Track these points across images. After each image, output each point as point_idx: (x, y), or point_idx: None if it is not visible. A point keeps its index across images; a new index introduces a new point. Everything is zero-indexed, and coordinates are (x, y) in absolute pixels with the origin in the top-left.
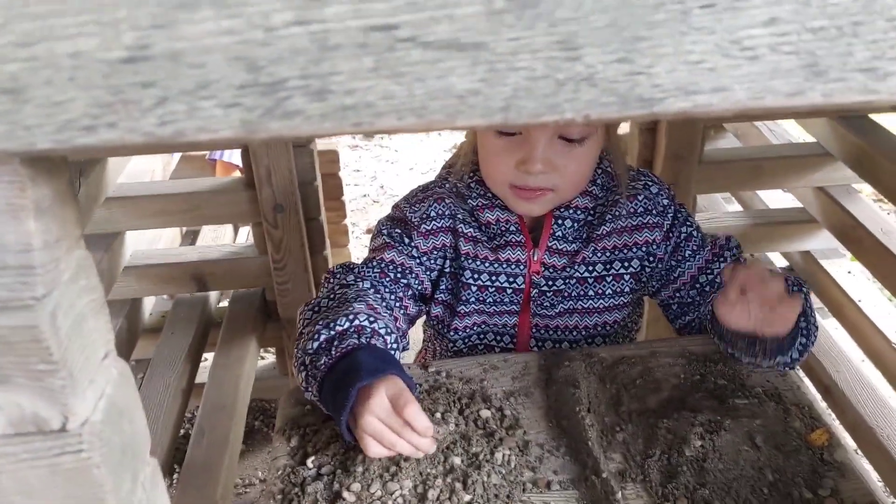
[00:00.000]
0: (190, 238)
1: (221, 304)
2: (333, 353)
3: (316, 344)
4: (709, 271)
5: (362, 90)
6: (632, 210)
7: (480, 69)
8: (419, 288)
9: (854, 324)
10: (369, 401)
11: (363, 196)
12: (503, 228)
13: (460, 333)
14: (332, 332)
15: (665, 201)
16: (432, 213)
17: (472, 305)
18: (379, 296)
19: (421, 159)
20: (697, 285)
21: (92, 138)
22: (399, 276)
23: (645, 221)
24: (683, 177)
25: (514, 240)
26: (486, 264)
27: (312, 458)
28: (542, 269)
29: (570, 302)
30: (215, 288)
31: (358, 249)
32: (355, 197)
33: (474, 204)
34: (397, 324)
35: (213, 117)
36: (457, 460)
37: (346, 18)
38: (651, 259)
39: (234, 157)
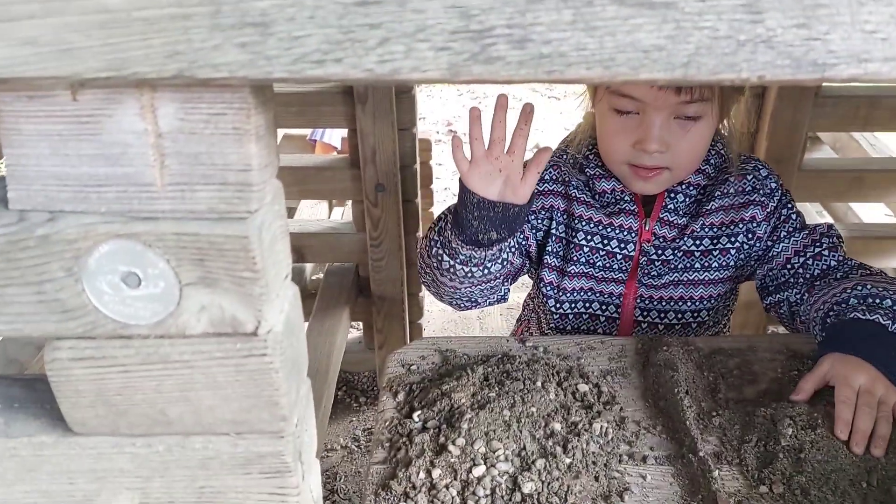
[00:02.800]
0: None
1: (315, 277)
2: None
3: (442, 223)
4: (803, 254)
5: (558, 41)
6: (740, 188)
7: (668, 27)
8: (524, 243)
9: None
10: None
11: (444, 189)
12: (618, 198)
13: (568, 296)
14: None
15: (773, 184)
16: (546, 177)
17: (582, 267)
18: None
19: None
20: (789, 265)
21: (320, 70)
22: None
23: (752, 199)
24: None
25: (627, 209)
26: (600, 227)
27: (418, 412)
28: (653, 238)
29: (677, 274)
30: (312, 260)
31: None
32: (437, 190)
33: (591, 173)
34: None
35: (426, 59)
36: (557, 426)
37: None
38: (751, 236)
39: (334, 138)
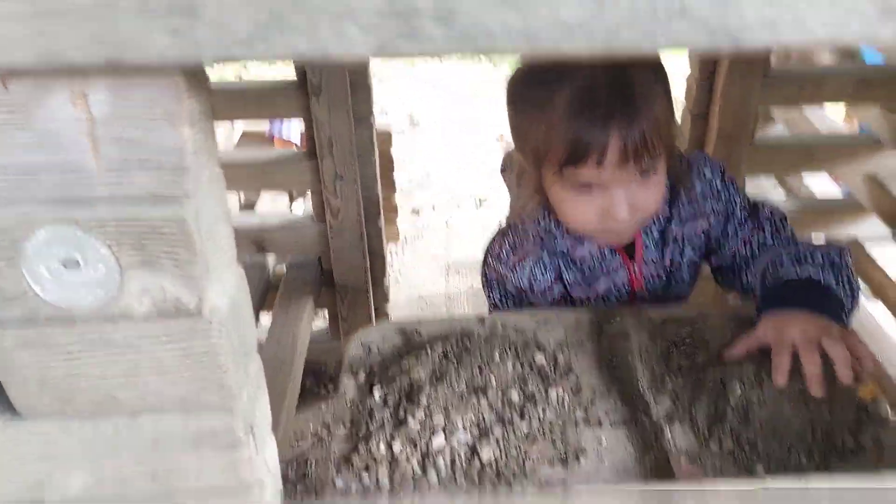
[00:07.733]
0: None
1: (278, 268)
2: None
3: None
4: (749, 244)
5: (483, 17)
6: (692, 198)
7: (588, 2)
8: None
9: None
10: None
11: (408, 181)
12: (599, 263)
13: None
14: None
15: (718, 183)
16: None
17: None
18: None
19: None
20: (738, 256)
21: (249, 51)
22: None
23: (704, 209)
24: (734, 158)
25: (613, 266)
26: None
27: (378, 389)
28: (644, 281)
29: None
30: (274, 252)
31: (404, 224)
32: (399, 181)
33: (567, 244)
34: None
35: (354, 38)
36: (514, 396)
37: None
38: (705, 236)
39: (293, 134)
